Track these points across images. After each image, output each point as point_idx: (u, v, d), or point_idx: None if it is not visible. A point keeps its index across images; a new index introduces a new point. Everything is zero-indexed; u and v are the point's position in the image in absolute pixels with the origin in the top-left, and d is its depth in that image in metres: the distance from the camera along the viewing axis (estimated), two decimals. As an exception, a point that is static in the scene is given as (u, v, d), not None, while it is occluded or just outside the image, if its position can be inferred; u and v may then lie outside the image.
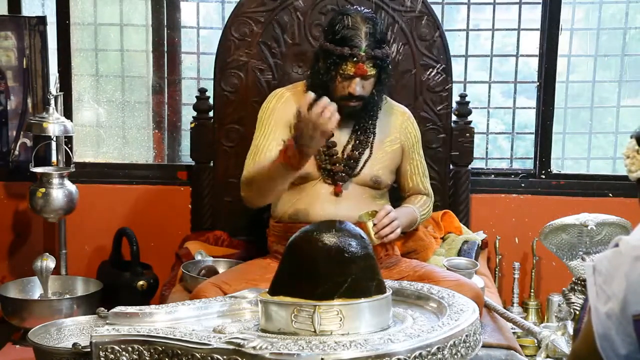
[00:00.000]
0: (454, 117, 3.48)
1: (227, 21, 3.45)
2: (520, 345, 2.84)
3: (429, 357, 1.96)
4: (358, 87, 2.75)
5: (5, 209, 3.76)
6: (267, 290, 2.18)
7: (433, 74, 3.41)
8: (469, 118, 3.51)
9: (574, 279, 2.74)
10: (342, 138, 2.88)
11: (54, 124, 3.38)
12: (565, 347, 2.69)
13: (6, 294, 3.41)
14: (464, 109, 3.50)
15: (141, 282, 3.43)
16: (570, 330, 2.69)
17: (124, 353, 2.07)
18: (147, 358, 2.05)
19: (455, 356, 2.02)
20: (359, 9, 2.88)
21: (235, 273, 2.77)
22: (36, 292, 3.50)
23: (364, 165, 2.87)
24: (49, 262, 3.38)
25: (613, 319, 1.40)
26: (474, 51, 3.79)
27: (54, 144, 3.57)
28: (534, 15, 3.70)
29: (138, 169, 3.79)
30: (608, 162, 3.92)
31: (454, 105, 3.48)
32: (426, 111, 3.42)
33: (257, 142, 2.86)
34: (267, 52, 3.42)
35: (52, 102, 3.40)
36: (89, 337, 2.11)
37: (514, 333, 2.94)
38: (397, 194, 3.05)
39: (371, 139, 2.89)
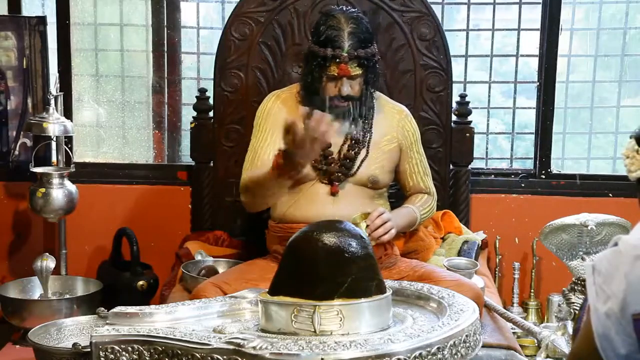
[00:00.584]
0: (454, 117, 3.48)
1: (227, 21, 3.45)
2: (520, 345, 2.84)
3: (429, 357, 1.96)
4: (345, 88, 2.75)
5: (5, 209, 3.76)
6: (267, 290, 2.18)
7: (433, 74, 3.41)
8: (469, 118, 3.51)
9: (574, 279, 2.75)
10: (337, 138, 2.88)
11: (54, 124, 3.38)
12: (565, 347, 2.69)
13: (6, 294, 3.41)
14: (464, 109, 3.50)
15: (141, 282, 3.43)
16: (570, 330, 2.69)
17: (124, 353, 2.07)
18: (147, 358, 2.05)
19: (455, 356, 2.02)
20: (344, 9, 2.88)
21: (235, 273, 2.77)
22: (36, 292, 3.50)
23: (360, 165, 2.87)
24: (49, 262, 3.38)
25: (612, 319, 1.40)
26: (474, 51, 3.78)
27: (54, 144, 3.57)
28: (534, 15, 3.70)
29: (138, 169, 3.79)
30: (608, 162, 3.92)
31: (454, 105, 3.47)
32: (426, 111, 3.42)
33: (254, 146, 2.88)
34: (267, 52, 3.42)
35: (52, 102, 3.40)
36: (89, 337, 2.11)
37: (514, 333, 2.94)
38: (398, 194, 3.05)
39: (367, 138, 2.89)
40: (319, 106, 2.83)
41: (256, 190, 2.73)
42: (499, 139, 3.95)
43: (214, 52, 3.47)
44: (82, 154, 3.84)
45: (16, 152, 3.73)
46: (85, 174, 3.70)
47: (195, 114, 3.53)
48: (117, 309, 2.21)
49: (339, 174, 2.85)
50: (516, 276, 3.62)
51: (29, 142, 3.71)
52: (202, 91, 3.53)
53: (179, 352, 2.00)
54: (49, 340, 2.62)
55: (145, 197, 3.73)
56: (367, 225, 2.65)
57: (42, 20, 3.68)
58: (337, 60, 2.72)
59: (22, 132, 3.70)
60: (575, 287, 2.70)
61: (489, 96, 3.81)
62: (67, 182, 3.45)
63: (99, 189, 3.73)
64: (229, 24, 3.42)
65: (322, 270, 2.08)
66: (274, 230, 2.89)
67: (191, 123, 3.54)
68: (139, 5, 3.82)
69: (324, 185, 2.86)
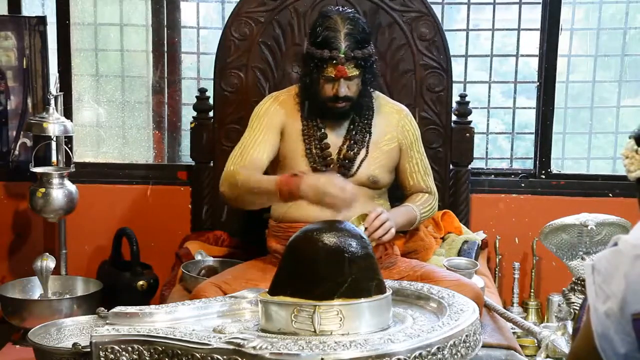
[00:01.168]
0: (454, 117, 3.48)
1: (227, 21, 3.45)
2: (520, 345, 2.84)
3: (429, 357, 1.96)
4: (342, 89, 2.75)
5: (5, 209, 3.76)
6: (267, 290, 2.18)
7: (433, 74, 3.41)
8: (469, 118, 3.51)
9: (574, 279, 2.75)
10: (336, 139, 2.88)
11: (54, 124, 3.38)
12: (565, 347, 2.69)
13: (6, 294, 3.41)
14: (464, 109, 3.50)
15: (141, 282, 3.43)
16: (570, 330, 2.69)
17: (124, 353, 2.07)
18: (147, 358, 2.05)
19: (455, 356, 2.02)
20: (340, 9, 2.87)
21: (235, 273, 2.77)
22: (36, 292, 3.50)
23: (360, 165, 2.87)
24: (49, 262, 3.38)
25: (612, 318, 1.40)
26: (474, 51, 3.78)
27: (54, 144, 3.57)
28: (534, 15, 3.70)
29: (138, 169, 3.79)
30: (608, 162, 3.91)
31: (454, 105, 3.47)
32: (426, 111, 3.42)
33: (245, 142, 2.87)
34: (267, 52, 3.42)
35: (52, 102, 3.40)
36: (89, 337, 2.11)
37: (514, 333, 2.94)
38: (399, 194, 3.05)
39: (367, 138, 2.89)
40: (317, 107, 2.84)
41: (246, 196, 2.71)
42: (499, 139, 3.95)
43: (214, 52, 3.47)
44: (82, 154, 3.84)
45: (16, 152, 3.73)
46: (85, 174, 3.70)
47: (195, 114, 3.53)
48: (117, 309, 2.22)
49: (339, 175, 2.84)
50: (516, 276, 3.62)
51: (29, 142, 3.71)
52: (202, 91, 3.53)
53: (179, 352, 2.01)
54: (49, 340, 2.62)
55: (145, 197, 3.73)
56: (366, 228, 2.64)
57: (42, 20, 3.68)
58: (334, 61, 2.72)
59: (22, 132, 3.70)
60: (575, 287, 2.70)
61: (489, 96, 3.81)
62: (67, 182, 3.45)
63: (99, 189, 3.73)
64: (229, 24, 3.42)
65: (322, 270, 2.08)
66: (274, 230, 2.89)
67: (191, 123, 3.54)
68: (139, 5, 3.82)
69: (324, 186, 2.85)
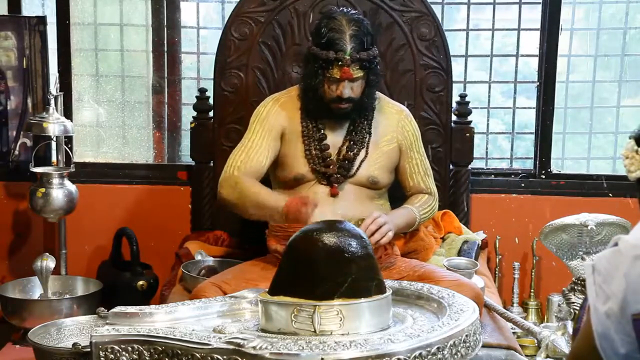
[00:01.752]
0: (454, 117, 3.48)
1: (227, 21, 3.45)
2: (520, 345, 2.84)
3: (429, 357, 1.96)
4: (346, 90, 2.75)
5: (5, 209, 3.76)
6: (267, 290, 2.18)
7: (433, 74, 3.41)
8: (469, 118, 3.51)
9: (574, 279, 2.75)
10: (336, 140, 2.88)
11: (54, 124, 3.38)
12: (565, 347, 2.69)
13: (6, 294, 3.41)
14: (464, 109, 3.50)
15: (141, 282, 3.43)
16: (570, 330, 2.69)
17: (124, 353, 2.07)
18: (147, 358, 2.05)
19: (455, 356, 2.02)
20: (345, 10, 2.87)
21: (235, 273, 2.77)
22: (36, 292, 3.50)
23: (359, 166, 2.87)
24: (49, 262, 3.38)
25: (612, 318, 1.40)
26: (474, 51, 3.78)
27: (54, 144, 3.57)
28: (534, 15, 3.70)
29: (138, 169, 3.79)
30: (608, 162, 3.91)
31: (454, 105, 3.47)
32: (426, 111, 3.42)
33: (246, 147, 2.88)
34: (267, 52, 3.42)
35: (52, 102, 3.40)
36: (89, 337, 2.11)
37: (514, 333, 2.93)
38: (400, 194, 3.05)
39: (366, 139, 2.89)
40: (319, 108, 2.84)
41: (249, 208, 2.76)
42: (499, 139, 3.95)
43: (214, 52, 3.47)
44: (82, 154, 3.84)
45: (16, 152, 3.73)
46: (85, 174, 3.70)
47: (195, 114, 3.53)
48: (117, 309, 2.22)
49: (338, 176, 2.85)
50: (516, 276, 3.62)
51: (29, 142, 3.71)
52: (202, 91, 3.53)
53: (179, 352, 2.01)
54: (49, 340, 2.62)
55: (145, 197, 3.73)
56: None
57: (42, 20, 3.68)
58: (340, 63, 2.72)
59: (22, 132, 3.70)
60: (575, 287, 2.70)
61: (489, 96, 3.81)
62: (67, 182, 3.45)
63: (99, 189, 3.73)
64: (229, 24, 3.42)
65: (322, 270, 2.08)
66: (274, 230, 2.89)
67: (191, 123, 3.54)
68: (139, 5, 3.82)
69: (324, 187, 2.86)
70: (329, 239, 2.11)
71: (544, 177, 3.73)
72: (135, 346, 2.07)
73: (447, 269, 2.89)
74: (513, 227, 3.70)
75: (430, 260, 3.09)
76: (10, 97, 3.71)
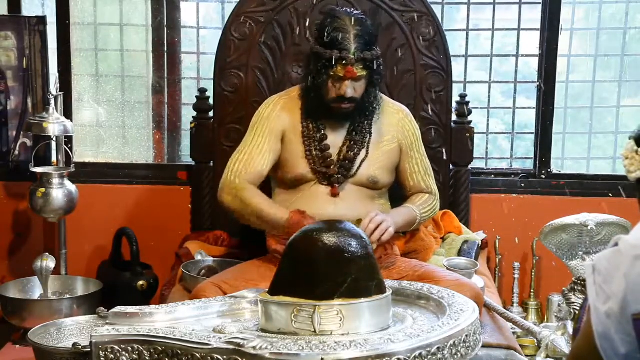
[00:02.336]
0: (454, 117, 3.48)
1: (227, 21, 3.45)
2: (520, 345, 2.84)
3: (429, 357, 1.96)
4: (349, 89, 2.75)
5: (5, 209, 3.76)
6: (267, 290, 2.18)
7: (433, 74, 3.41)
8: (469, 118, 3.51)
9: (574, 279, 2.75)
10: (336, 140, 2.88)
11: (54, 124, 3.38)
12: (565, 347, 2.69)
13: (6, 294, 3.41)
14: (463, 109, 3.50)
15: (141, 282, 3.43)
16: (570, 330, 2.69)
17: (124, 353, 2.07)
18: (147, 358, 2.05)
19: (455, 356, 2.02)
20: (348, 10, 2.87)
21: (235, 273, 2.77)
22: (36, 292, 3.50)
23: (360, 166, 2.87)
24: (49, 262, 3.38)
25: (612, 319, 1.40)
26: (474, 51, 3.78)
27: (54, 144, 3.57)
28: (534, 15, 3.70)
29: (138, 169, 3.79)
30: (608, 162, 3.91)
31: (454, 105, 3.47)
32: (426, 111, 3.42)
33: (249, 150, 2.88)
34: (267, 52, 3.42)
35: (52, 102, 3.40)
36: (89, 337, 2.12)
37: (514, 333, 2.94)
38: (401, 194, 3.05)
39: (367, 139, 2.89)
40: (320, 108, 2.84)
41: (251, 218, 2.82)
42: (499, 139, 3.95)
43: (214, 52, 3.47)
44: (82, 154, 3.84)
45: (16, 152, 3.73)
46: (85, 174, 3.70)
47: (195, 114, 3.53)
48: (117, 309, 2.22)
49: (339, 176, 2.85)
50: (516, 276, 3.62)
51: (29, 142, 3.71)
52: (202, 91, 3.53)
53: (179, 352, 2.01)
54: (49, 340, 2.62)
55: (145, 197, 3.73)
56: None
57: (42, 20, 3.68)
58: (344, 62, 2.72)
59: (22, 132, 3.70)
60: (575, 287, 2.70)
61: (489, 96, 3.81)
62: (67, 182, 3.45)
63: (99, 189, 3.73)
64: (229, 24, 3.42)
65: (322, 270, 2.08)
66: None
67: (191, 123, 3.54)
68: (139, 5, 3.82)
69: (324, 187, 2.86)
70: (329, 239, 2.11)
71: (544, 177, 3.73)
72: (135, 346, 2.07)
73: (447, 269, 2.89)
74: (513, 227, 3.69)
75: (430, 260, 3.09)
76: (10, 97, 3.71)
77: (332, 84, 2.77)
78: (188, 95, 3.80)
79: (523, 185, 3.72)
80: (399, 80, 3.41)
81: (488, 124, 3.83)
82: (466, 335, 2.07)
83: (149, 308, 2.25)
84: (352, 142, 2.88)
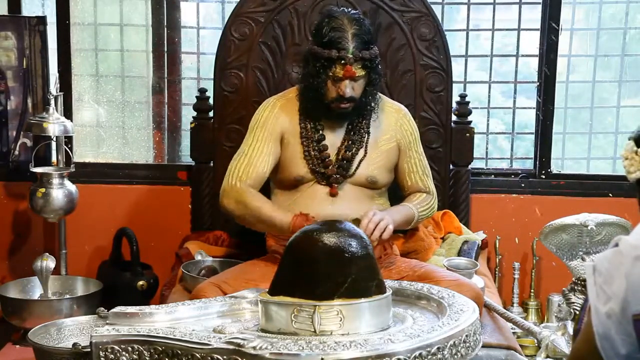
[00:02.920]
0: (454, 117, 3.48)
1: (227, 21, 3.45)
2: (520, 345, 2.84)
3: (429, 357, 1.96)
4: (348, 89, 2.75)
5: (5, 209, 3.75)
6: (267, 290, 2.18)
7: (433, 74, 3.41)
8: (469, 118, 3.51)
9: (574, 279, 2.75)
10: (335, 140, 2.88)
11: (54, 124, 3.38)
12: (565, 347, 2.69)
13: (6, 294, 3.41)
14: (464, 109, 3.50)
15: (141, 282, 3.43)
16: (570, 330, 2.69)
17: (124, 353, 2.07)
18: (147, 358, 2.05)
19: (455, 356, 2.02)
20: (345, 10, 2.87)
21: (235, 273, 2.77)
22: (36, 292, 3.50)
23: (358, 166, 2.87)
24: (49, 262, 3.38)
25: (613, 319, 1.40)
26: (474, 51, 3.78)
27: (54, 144, 3.57)
28: (534, 15, 3.70)
29: (138, 169, 3.79)
30: (608, 162, 3.91)
31: (454, 105, 3.47)
32: (426, 111, 3.42)
33: (249, 154, 2.87)
34: (267, 52, 3.42)
35: (52, 102, 3.40)
36: (89, 337, 2.12)
37: (514, 333, 2.94)
38: (401, 193, 3.05)
39: (365, 138, 2.89)
40: (319, 108, 2.84)
41: (255, 223, 2.83)
42: (499, 139, 3.95)
43: (214, 52, 3.47)
44: (82, 154, 3.84)
45: (16, 152, 3.73)
46: (85, 174, 3.70)
47: (195, 114, 3.53)
48: (117, 309, 2.22)
49: (337, 176, 2.85)
50: (516, 276, 3.62)
51: (29, 142, 3.71)
52: (202, 91, 3.53)
53: (179, 352, 2.01)
54: (49, 340, 2.62)
55: (145, 197, 3.73)
56: None
57: (42, 20, 3.68)
58: (343, 61, 2.72)
59: (22, 132, 3.70)
60: (575, 287, 2.70)
61: (489, 96, 3.81)
62: (67, 182, 3.45)
63: (99, 189, 3.73)
64: (229, 24, 3.42)
65: (322, 270, 2.08)
66: (274, 231, 2.90)
67: (191, 123, 3.54)
68: (139, 5, 3.82)
69: (323, 187, 2.86)
70: (329, 239, 2.11)
71: (544, 177, 3.73)
72: (135, 346, 2.07)
73: (447, 269, 2.89)
74: (513, 227, 3.69)
75: (430, 260, 3.09)
76: (10, 97, 3.71)
77: (331, 84, 2.77)
78: (188, 95, 3.80)
79: (523, 185, 3.72)
80: (399, 80, 3.41)
81: (488, 124, 3.83)
82: (466, 336, 2.07)
83: (149, 308, 2.25)
84: (351, 142, 2.88)
